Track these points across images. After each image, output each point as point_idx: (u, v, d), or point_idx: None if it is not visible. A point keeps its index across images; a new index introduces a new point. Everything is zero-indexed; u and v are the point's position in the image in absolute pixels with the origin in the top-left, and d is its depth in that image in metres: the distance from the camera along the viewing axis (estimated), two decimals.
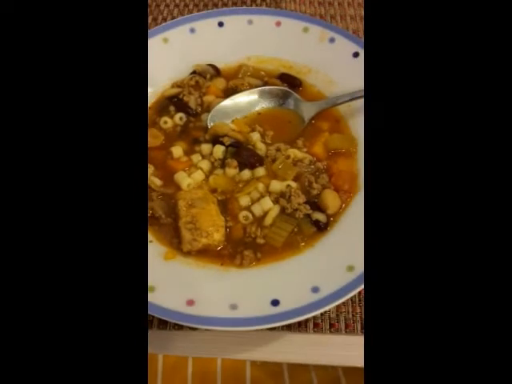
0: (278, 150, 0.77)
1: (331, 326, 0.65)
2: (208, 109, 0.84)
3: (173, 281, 0.64)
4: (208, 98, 0.86)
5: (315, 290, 0.60)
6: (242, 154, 0.76)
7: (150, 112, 0.86)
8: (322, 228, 0.69)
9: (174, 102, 0.85)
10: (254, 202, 0.73)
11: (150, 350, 0.65)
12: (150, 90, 0.87)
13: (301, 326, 0.65)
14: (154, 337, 0.66)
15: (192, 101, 0.85)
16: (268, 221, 0.70)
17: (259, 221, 0.71)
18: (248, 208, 0.72)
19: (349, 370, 0.93)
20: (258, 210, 0.72)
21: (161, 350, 0.67)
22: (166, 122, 0.83)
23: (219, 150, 0.78)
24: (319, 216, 0.70)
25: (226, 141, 0.78)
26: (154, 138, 0.81)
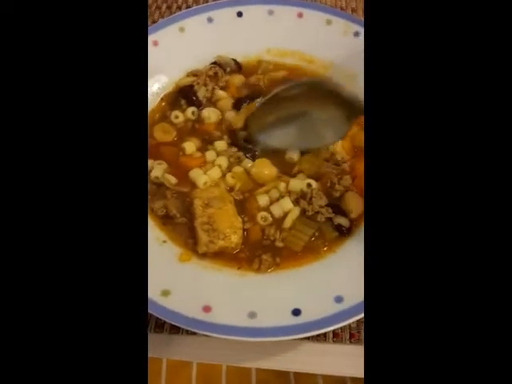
0: None
1: (351, 336, 0.62)
2: (215, 105, 0.80)
3: (188, 285, 0.60)
4: (219, 94, 0.81)
5: (338, 299, 0.56)
6: None
7: (161, 104, 0.82)
8: (344, 233, 0.66)
9: (183, 93, 0.80)
10: (273, 201, 0.69)
11: (154, 355, 0.62)
12: (164, 80, 0.83)
13: (320, 336, 0.62)
14: (161, 341, 0.63)
15: (201, 91, 0.80)
16: (287, 223, 0.67)
17: (278, 223, 0.68)
18: (267, 208, 0.69)
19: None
20: (277, 210, 0.68)
21: (166, 355, 0.64)
22: (177, 117, 0.79)
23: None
24: (341, 220, 0.66)
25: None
26: (165, 134, 0.77)
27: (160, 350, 0.63)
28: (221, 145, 0.75)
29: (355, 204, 0.68)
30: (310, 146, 0.73)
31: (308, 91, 0.70)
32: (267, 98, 0.72)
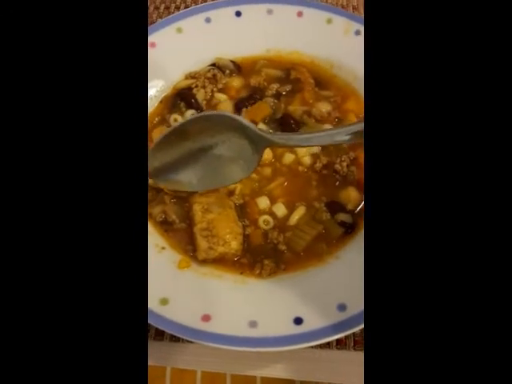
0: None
1: (355, 342, 0.61)
2: (215, 108, 0.79)
3: (187, 293, 0.59)
4: (219, 96, 0.80)
5: (341, 307, 0.55)
6: None
7: (160, 107, 0.81)
8: (348, 229, 0.65)
9: (182, 95, 0.79)
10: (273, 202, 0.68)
11: (155, 363, 0.61)
12: (161, 83, 0.81)
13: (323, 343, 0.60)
14: (162, 349, 0.62)
15: (200, 94, 0.79)
16: (292, 220, 0.66)
17: (281, 225, 0.66)
18: (268, 211, 0.68)
19: None
20: (281, 210, 0.67)
21: (167, 363, 0.63)
22: (176, 120, 0.77)
23: None
24: (344, 217, 0.66)
25: None
26: None
27: (161, 359, 0.62)
28: None
29: (353, 196, 0.68)
30: (215, 186, 0.66)
31: (213, 125, 0.60)
32: (168, 132, 0.61)
